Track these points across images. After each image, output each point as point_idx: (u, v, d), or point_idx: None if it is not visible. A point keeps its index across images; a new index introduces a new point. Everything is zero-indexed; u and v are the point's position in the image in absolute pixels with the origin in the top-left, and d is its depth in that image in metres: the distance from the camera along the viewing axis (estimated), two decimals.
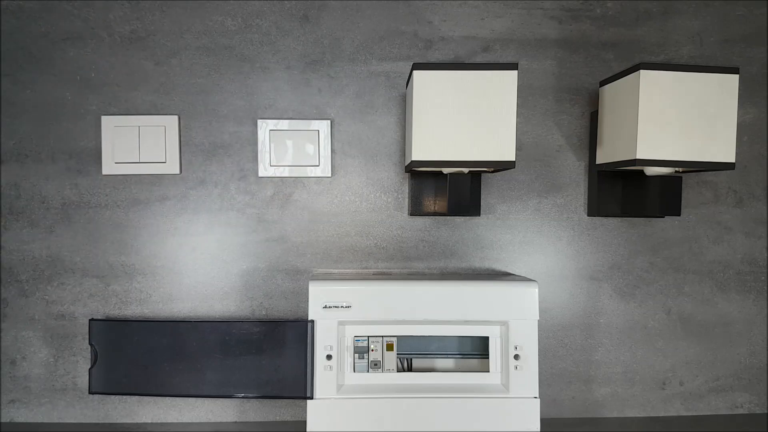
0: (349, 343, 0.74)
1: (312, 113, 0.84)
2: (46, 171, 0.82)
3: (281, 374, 0.74)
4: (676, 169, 0.71)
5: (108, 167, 0.82)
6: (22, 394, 0.84)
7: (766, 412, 0.90)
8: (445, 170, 0.72)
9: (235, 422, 0.85)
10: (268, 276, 0.85)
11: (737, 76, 0.68)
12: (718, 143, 0.69)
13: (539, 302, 0.73)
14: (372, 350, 0.74)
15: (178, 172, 0.83)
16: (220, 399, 0.85)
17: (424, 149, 0.68)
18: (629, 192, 0.82)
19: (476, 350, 0.76)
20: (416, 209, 0.84)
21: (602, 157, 0.80)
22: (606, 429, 0.85)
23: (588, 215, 0.87)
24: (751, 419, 0.89)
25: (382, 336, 0.74)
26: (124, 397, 0.84)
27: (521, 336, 0.73)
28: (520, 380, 0.72)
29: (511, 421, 0.72)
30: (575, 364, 0.88)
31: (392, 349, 0.74)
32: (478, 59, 0.84)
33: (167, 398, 0.85)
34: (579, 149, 0.86)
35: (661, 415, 0.89)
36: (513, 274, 0.85)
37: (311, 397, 0.72)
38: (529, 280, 0.76)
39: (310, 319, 0.72)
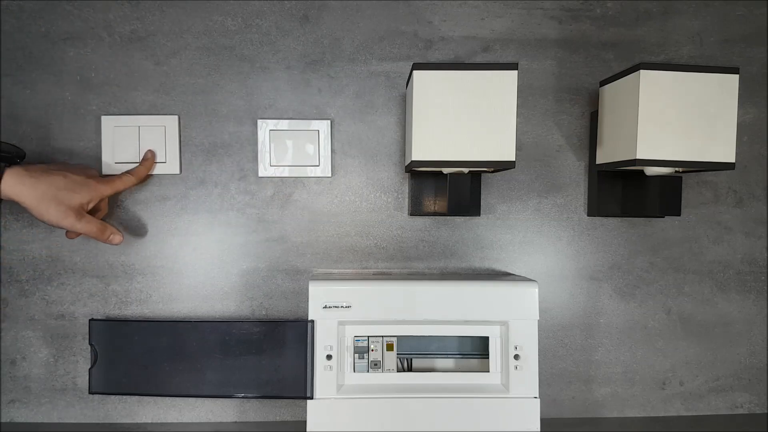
0: (349, 343, 0.74)
1: (312, 113, 0.84)
2: None
3: (281, 374, 0.74)
4: (676, 169, 0.72)
5: (108, 167, 0.82)
6: (22, 394, 0.84)
7: (766, 412, 0.90)
8: (445, 170, 0.72)
9: (235, 422, 0.85)
10: (268, 276, 0.85)
11: (737, 76, 0.68)
12: (718, 143, 0.69)
13: (539, 302, 0.73)
14: (372, 350, 0.74)
15: (178, 172, 0.83)
16: (220, 399, 0.85)
17: (424, 149, 0.68)
18: (629, 192, 0.82)
19: (476, 350, 0.76)
20: (416, 209, 0.84)
21: (602, 157, 0.80)
22: (606, 429, 0.85)
23: (588, 215, 0.87)
24: (751, 419, 0.89)
25: (382, 336, 0.74)
26: (124, 397, 0.84)
27: (521, 336, 0.73)
28: (520, 380, 0.73)
29: (511, 421, 0.72)
30: (575, 364, 0.88)
31: (392, 349, 0.74)
32: (478, 59, 0.84)
33: (167, 398, 0.85)
34: (579, 149, 0.86)
35: (661, 415, 0.89)
36: (513, 274, 0.85)
37: (311, 397, 0.72)
38: (529, 280, 0.76)
39: (310, 319, 0.73)
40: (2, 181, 0.63)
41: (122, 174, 0.77)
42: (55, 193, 0.67)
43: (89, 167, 0.77)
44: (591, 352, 0.88)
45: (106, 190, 0.73)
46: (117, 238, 0.75)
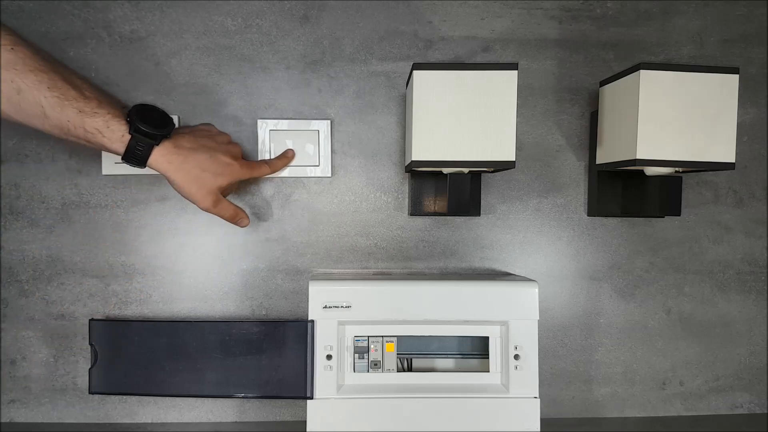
0: (349, 343, 0.74)
1: (312, 113, 0.84)
2: (46, 171, 0.82)
3: (281, 374, 0.74)
4: (676, 169, 0.72)
5: (108, 167, 0.82)
6: (22, 394, 0.84)
7: (766, 412, 0.90)
8: (445, 170, 0.72)
9: (235, 422, 0.85)
10: (268, 276, 0.85)
11: (737, 76, 0.68)
12: (718, 143, 0.69)
13: (539, 302, 0.73)
14: (372, 350, 0.74)
15: None
16: (220, 399, 0.85)
17: (424, 149, 0.68)
18: (629, 192, 0.82)
19: (476, 350, 0.76)
20: (416, 209, 0.84)
21: (602, 157, 0.80)
22: (606, 429, 0.85)
23: (588, 215, 0.87)
24: (751, 419, 0.89)
25: (382, 336, 0.74)
26: (124, 397, 0.84)
27: (521, 336, 0.73)
28: (520, 380, 0.73)
29: (511, 421, 0.72)
30: (575, 364, 0.88)
31: (392, 349, 0.74)
32: (478, 59, 0.84)
33: (167, 398, 0.85)
34: (579, 149, 0.86)
35: (661, 415, 0.89)
36: (513, 274, 0.85)
37: (311, 397, 0.72)
38: (529, 280, 0.76)
39: (310, 319, 0.73)
40: (150, 157, 0.65)
41: (260, 162, 0.78)
42: (199, 174, 0.68)
43: (231, 142, 0.75)
44: (591, 352, 0.88)
45: (245, 174, 0.74)
46: (245, 221, 0.76)
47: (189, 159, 0.67)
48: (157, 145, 0.65)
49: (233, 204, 0.74)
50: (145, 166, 0.66)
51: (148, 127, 0.63)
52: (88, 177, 0.83)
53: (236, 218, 0.75)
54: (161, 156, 0.66)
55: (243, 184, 0.83)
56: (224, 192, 0.73)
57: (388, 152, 0.85)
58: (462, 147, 0.68)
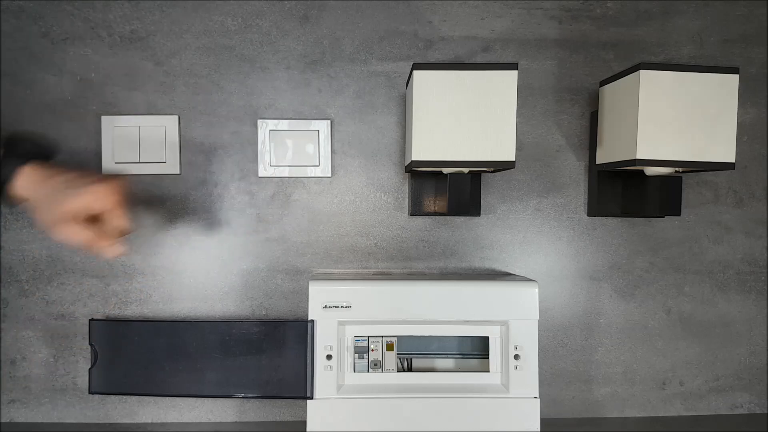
0: (349, 343, 0.74)
1: (312, 113, 0.84)
2: None
3: (281, 374, 0.74)
4: (676, 169, 0.71)
5: (108, 167, 0.82)
6: (22, 394, 0.84)
7: (766, 412, 0.90)
8: (445, 170, 0.72)
9: (235, 422, 0.85)
10: (268, 276, 0.85)
11: (737, 76, 0.68)
12: (718, 143, 0.69)
13: (539, 302, 0.73)
14: (372, 350, 0.74)
15: (178, 172, 0.83)
16: (220, 399, 0.85)
17: (424, 149, 0.68)
18: (629, 192, 0.82)
19: (476, 350, 0.76)
20: (416, 209, 0.84)
21: (602, 157, 0.80)
22: (606, 429, 0.85)
23: (588, 215, 0.87)
24: (751, 419, 0.89)
25: (382, 336, 0.74)
26: (124, 397, 0.84)
27: (521, 336, 0.73)
28: (520, 380, 0.72)
29: (511, 421, 0.72)
30: (575, 364, 0.88)
31: (392, 349, 0.74)
32: (478, 59, 0.84)
33: (167, 398, 0.85)
34: (579, 149, 0.86)
35: (661, 415, 0.89)
36: (513, 274, 0.85)
37: (311, 397, 0.72)
38: (529, 280, 0.76)
39: (310, 319, 0.72)
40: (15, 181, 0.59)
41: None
42: (54, 195, 0.59)
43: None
44: (591, 352, 0.88)
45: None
46: (109, 252, 0.63)
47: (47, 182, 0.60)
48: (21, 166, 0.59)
49: (95, 232, 0.62)
50: None
51: None
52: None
53: (95, 248, 0.63)
54: (24, 180, 0.60)
55: (244, 185, 0.83)
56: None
57: (388, 152, 0.85)
58: (462, 147, 0.68)
